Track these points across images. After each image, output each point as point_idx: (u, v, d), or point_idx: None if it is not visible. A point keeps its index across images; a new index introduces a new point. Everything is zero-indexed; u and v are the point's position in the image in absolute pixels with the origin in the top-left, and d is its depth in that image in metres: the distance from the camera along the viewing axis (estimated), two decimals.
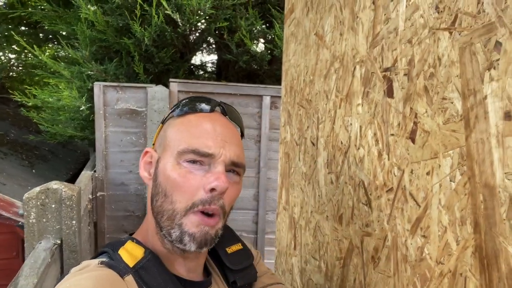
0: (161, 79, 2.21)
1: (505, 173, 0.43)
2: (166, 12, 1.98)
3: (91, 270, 0.53)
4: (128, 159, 2.08)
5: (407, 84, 0.61)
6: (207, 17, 2.06)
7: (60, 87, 2.21)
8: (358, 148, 0.77)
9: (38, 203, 0.89)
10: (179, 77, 2.22)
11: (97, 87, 2.00)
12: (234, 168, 0.63)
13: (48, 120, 2.53)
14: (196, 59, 2.48)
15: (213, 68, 2.46)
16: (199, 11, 1.99)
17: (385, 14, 0.68)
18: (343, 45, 0.85)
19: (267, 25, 2.24)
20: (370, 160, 0.72)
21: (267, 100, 2.13)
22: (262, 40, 2.19)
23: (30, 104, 2.48)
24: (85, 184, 1.80)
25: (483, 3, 0.46)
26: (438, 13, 0.54)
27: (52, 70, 2.39)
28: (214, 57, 2.47)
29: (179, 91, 2.10)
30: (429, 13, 0.56)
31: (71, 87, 2.11)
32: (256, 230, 2.22)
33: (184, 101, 0.67)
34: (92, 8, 2.07)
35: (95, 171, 2.08)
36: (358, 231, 0.76)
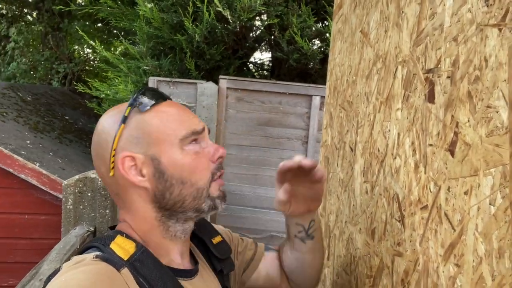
0: (212, 76, 2.23)
1: None
2: (217, 9, 2.00)
3: (86, 264, 0.53)
4: None
5: (450, 88, 0.53)
6: (258, 14, 2.04)
7: (116, 80, 2.33)
8: (395, 158, 0.70)
9: (76, 190, 0.93)
10: (230, 74, 2.23)
11: (151, 81, 2.08)
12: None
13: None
14: (251, 57, 2.47)
15: (266, 67, 2.43)
16: (250, 8, 1.97)
17: (431, 9, 0.60)
18: (386, 43, 0.77)
19: (322, 23, 2.16)
20: (406, 172, 0.65)
21: (316, 100, 2.05)
22: (316, 39, 2.12)
23: (93, 95, 2.66)
24: None
25: None
26: (488, 6, 0.46)
27: (114, 64, 2.54)
28: (268, 55, 2.45)
29: (228, 88, 2.11)
30: (477, 7, 0.48)
31: (127, 81, 2.21)
32: None
33: (142, 95, 0.63)
34: (149, 5, 2.16)
35: None
36: (390, 249, 0.69)
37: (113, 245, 0.58)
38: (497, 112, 0.43)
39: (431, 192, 0.57)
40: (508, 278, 0.40)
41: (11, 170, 2.13)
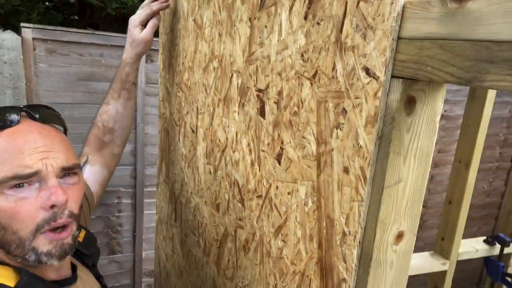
0: (10, 22, 1.85)
1: (341, 212, 0.56)
2: None
3: None
4: None
5: (277, 112, 0.70)
6: None
7: None
8: (234, 151, 0.85)
9: None
10: (33, 20, 1.90)
11: None
12: (68, 172, 0.63)
13: None
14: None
15: (74, 10, 2.14)
16: None
17: (260, 37, 0.73)
18: (221, 47, 0.87)
19: None
20: (244, 166, 0.82)
21: None
22: None
23: None
24: None
25: (336, 70, 0.55)
26: (303, 61, 0.62)
27: None
28: None
29: (34, 39, 1.81)
30: (296, 57, 0.64)
31: None
32: (135, 184, 2.23)
33: None
34: None
35: None
36: (233, 222, 0.88)
37: None
38: (309, 143, 0.62)
39: (264, 186, 0.75)
40: (315, 254, 0.62)
41: None
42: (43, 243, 0.59)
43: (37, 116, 0.65)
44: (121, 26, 2.28)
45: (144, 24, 1.01)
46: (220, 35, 0.88)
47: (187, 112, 1.09)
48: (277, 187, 0.71)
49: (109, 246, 2.33)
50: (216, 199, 0.95)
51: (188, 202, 1.13)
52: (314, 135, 0.61)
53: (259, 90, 0.74)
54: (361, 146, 0.52)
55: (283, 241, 0.70)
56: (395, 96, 0.48)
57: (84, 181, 0.78)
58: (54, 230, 0.60)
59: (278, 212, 0.71)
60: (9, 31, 1.75)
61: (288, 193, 0.68)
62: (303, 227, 0.65)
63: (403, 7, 0.45)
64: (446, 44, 0.41)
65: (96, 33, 1.91)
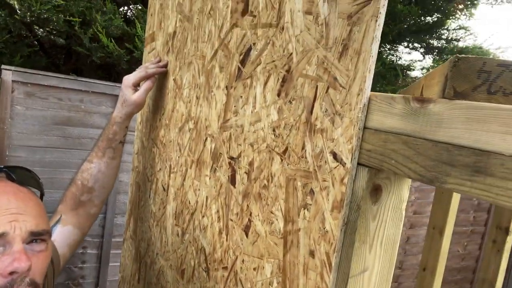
0: None
1: None
2: None
3: None
4: None
5: (247, 182, 0.69)
6: (55, 7, 1.78)
7: None
8: (203, 216, 0.83)
9: None
10: (15, 62, 1.89)
11: None
12: (36, 237, 0.60)
13: None
14: (44, 45, 2.12)
15: (61, 55, 2.15)
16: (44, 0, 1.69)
17: (235, 106, 0.73)
18: (198, 110, 0.88)
19: (130, 26, 2.05)
20: (212, 233, 0.79)
21: None
22: (123, 39, 2.01)
23: None
24: None
25: (306, 150, 0.55)
26: (275, 136, 0.62)
27: None
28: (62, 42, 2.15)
29: (14, 82, 1.79)
30: (268, 131, 0.64)
31: None
32: (103, 233, 2.13)
33: None
34: None
35: None
36: None
37: None
38: (276, 220, 0.61)
39: (230, 257, 0.72)
40: None
41: None
42: None
43: (14, 177, 0.63)
44: (105, 73, 2.30)
45: (137, 85, 1.00)
46: (197, 98, 0.88)
47: (160, 169, 1.07)
48: (243, 261, 0.68)
49: None
50: (181, 264, 0.91)
51: (153, 263, 1.07)
52: (282, 211, 0.59)
53: (231, 158, 0.73)
54: (327, 231, 0.50)
55: None
56: (361, 183, 0.47)
57: (52, 243, 0.75)
58: None
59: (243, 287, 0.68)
60: None
61: (254, 269, 0.65)
62: None
63: (369, 99, 0.46)
64: (409, 141, 0.41)
65: (78, 79, 1.91)
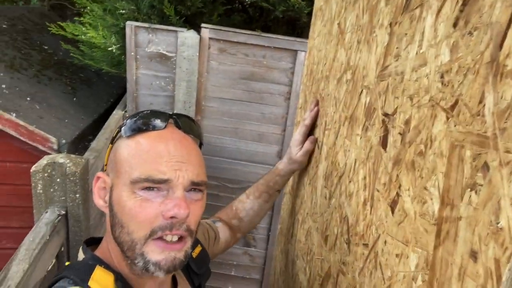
0: (195, 21, 2.10)
1: None
2: None
3: None
4: (157, 102, 2.10)
5: (400, 146, 0.53)
6: None
7: (87, 27, 2.16)
8: (350, 181, 0.72)
9: (45, 175, 0.94)
10: (213, 20, 2.11)
11: (129, 27, 1.95)
12: (195, 187, 0.60)
13: (85, 54, 2.55)
14: (235, 2, 2.28)
15: (254, 13, 2.27)
16: None
17: (397, 48, 0.57)
18: (357, 56, 0.74)
19: None
20: (357, 202, 0.67)
21: (301, 56, 1.98)
22: None
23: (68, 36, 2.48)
24: (111, 129, 1.87)
25: (484, 105, 0.37)
26: (442, 84, 0.44)
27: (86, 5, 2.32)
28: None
29: (210, 39, 2.00)
30: (433, 78, 0.46)
31: (98, 26, 2.05)
32: None
33: (132, 118, 0.62)
34: None
35: (125, 112, 2.15)
36: (337, 263, 0.74)
37: (92, 283, 0.56)
38: (431, 199, 0.45)
39: (372, 235, 0.60)
40: None
41: None
42: (153, 251, 0.57)
43: (181, 125, 0.65)
44: (289, 29, 2.32)
45: (303, 142, 1.00)
46: (358, 42, 0.74)
47: (316, 125, 0.99)
48: (385, 242, 0.55)
49: (245, 238, 2.44)
50: (326, 229, 0.83)
51: (304, 222, 1.03)
52: (439, 189, 0.43)
53: (385, 115, 0.59)
54: (501, 228, 0.33)
55: None
56: None
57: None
58: (164, 240, 0.58)
59: (382, 275, 0.55)
60: (191, 30, 1.98)
61: (396, 255, 0.51)
62: None
63: None
64: None
65: (262, 35, 1.98)
